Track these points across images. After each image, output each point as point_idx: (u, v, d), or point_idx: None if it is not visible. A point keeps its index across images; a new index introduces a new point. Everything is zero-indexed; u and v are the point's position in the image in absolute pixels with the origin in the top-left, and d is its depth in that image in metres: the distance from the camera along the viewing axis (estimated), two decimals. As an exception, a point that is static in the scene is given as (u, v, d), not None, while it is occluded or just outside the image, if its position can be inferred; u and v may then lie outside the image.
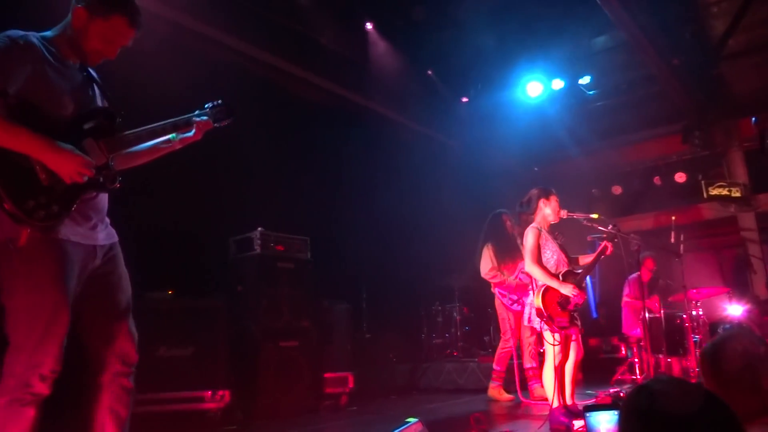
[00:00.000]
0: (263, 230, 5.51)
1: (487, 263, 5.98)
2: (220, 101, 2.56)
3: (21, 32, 2.12)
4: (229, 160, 5.57)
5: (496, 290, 6.03)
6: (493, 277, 5.94)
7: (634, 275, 7.16)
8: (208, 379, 4.64)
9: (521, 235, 4.36)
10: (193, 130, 2.47)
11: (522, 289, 5.80)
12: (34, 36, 2.15)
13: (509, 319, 5.92)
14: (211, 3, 5.73)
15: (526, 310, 4.23)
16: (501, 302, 5.98)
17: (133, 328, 2.37)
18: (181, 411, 4.54)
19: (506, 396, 5.83)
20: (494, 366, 5.96)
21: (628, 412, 1.19)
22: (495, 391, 5.89)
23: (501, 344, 5.99)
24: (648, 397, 1.15)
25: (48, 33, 2.23)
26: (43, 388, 2.04)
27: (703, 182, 8.86)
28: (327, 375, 5.73)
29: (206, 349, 4.72)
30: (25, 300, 2.05)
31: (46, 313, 2.05)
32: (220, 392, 4.65)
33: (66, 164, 2.06)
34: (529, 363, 5.90)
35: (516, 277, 5.91)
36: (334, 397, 5.73)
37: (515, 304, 5.87)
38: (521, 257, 5.97)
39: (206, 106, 2.55)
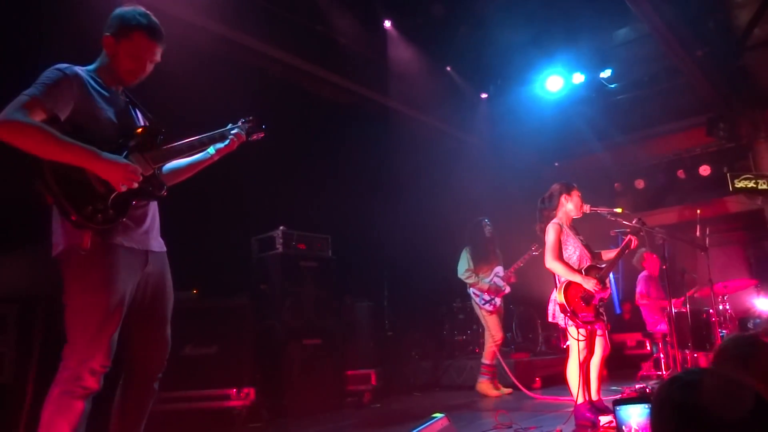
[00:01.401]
0: (285, 229, 5.55)
1: (463, 265, 6.47)
2: (251, 117, 2.80)
3: (67, 64, 2.32)
4: (251, 160, 5.59)
5: (470, 290, 6.44)
6: (468, 278, 6.41)
7: (644, 273, 7.10)
8: (233, 377, 4.70)
9: (545, 232, 4.31)
10: (228, 141, 2.66)
11: (494, 291, 6.35)
12: (79, 68, 2.36)
13: (484, 317, 6.34)
14: (230, 5, 5.76)
15: (550, 307, 4.19)
16: (475, 302, 6.40)
17: (169, 337, 2.50)
18: (206, 409, 4.61)
19: (496, 392, 6.12)
20: (484, 361, 6.31)
21: (661, 404, 1.18)
22: (484, 385, 6.20)
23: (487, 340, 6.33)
24: (681, 389, 1.14)
25: (91, 66, 2.44)
26: (92, 383, 2.17)
27: (728, 175, 8.69)
28: (350, 372, 5.77)
29: (231, 348, 4.79)
30: (82, 301, 2.20)
31: (100, 313, 2.19)
32: (245, 390, 4.70)
33: (115, 172, 2.21)
34: (486, 360, 6.31)
35: (491, 280, 6.38)
36: (357, 395, 5.76)
37: (487, 304, 6.31)
38: (497, 262, 6.47)
39: (240, 121, 2.78)
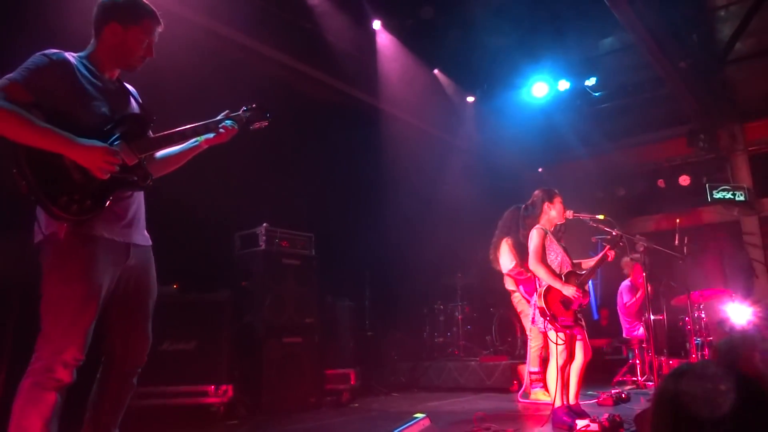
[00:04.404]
0: (268, 226, 5.52)
1: (510, 259, 5.70)
2: (254, 105, 2.73)
3: (55, 50, 2.29)
4: (236, 156, 5.57)
5: (520, 287, 5.76)
6: (519, 273, 5.66)
7: (626, 283, 7.24)
8: (211, 374, 4.66)
9: (527, 239, 4.35)
10: (218, 132, 2.60)
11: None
12: (70, 54, 2.33)
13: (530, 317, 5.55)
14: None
15: (531, 312, 4.23)
16: (524, 299, 5.70)
17: (150, 332, 2.47)
18: (184, 405, 4.57)
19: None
20: (530, 368, 5.56)
21: (658, 396, 1.22)
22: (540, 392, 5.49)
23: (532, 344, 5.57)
24: (674, 378, 1.18)
25: (83, 52, 2.41)
26: (65, 375, 2.14)
27: (707, 185, 8.88)
28: (329, 371, 5.75)
29: (210, 344, 4.75)
30: (57, 291, 2.17)
31: (75, 305, 2.16)
32: (224, 387, 4.67)
33: (92, 156, 2.16)
34: (533, 367, 5.63)
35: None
36: (335, 394, 5.74)
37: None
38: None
39: (241, 109, 2.70)
